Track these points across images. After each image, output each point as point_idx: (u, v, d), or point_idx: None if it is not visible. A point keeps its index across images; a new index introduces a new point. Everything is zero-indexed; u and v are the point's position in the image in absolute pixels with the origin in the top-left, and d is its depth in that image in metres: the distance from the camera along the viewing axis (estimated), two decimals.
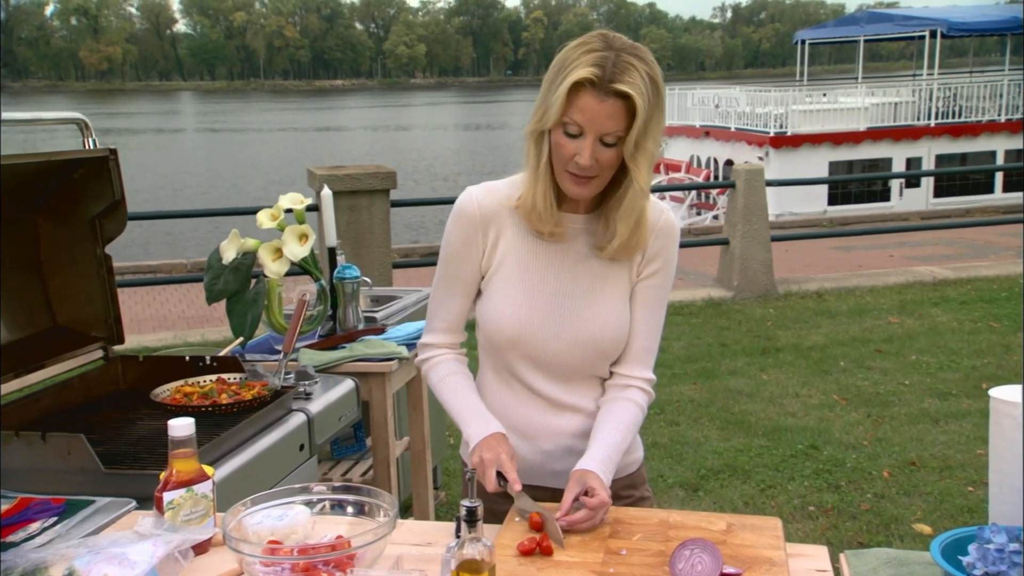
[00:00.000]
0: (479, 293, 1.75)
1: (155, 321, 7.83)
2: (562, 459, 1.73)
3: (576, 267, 1.69)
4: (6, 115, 2.42)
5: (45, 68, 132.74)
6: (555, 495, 1.71)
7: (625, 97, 1.50)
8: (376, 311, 3.13)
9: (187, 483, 1.48)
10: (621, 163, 1.58)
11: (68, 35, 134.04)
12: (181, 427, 1.47)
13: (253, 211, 2.84)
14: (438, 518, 3.45)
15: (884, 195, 17.21)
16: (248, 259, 2.68)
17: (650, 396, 1.75)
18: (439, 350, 1.79)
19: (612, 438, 1.67)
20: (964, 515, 3.63)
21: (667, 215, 1.71)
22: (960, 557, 1.29)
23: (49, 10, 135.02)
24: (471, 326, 1.79)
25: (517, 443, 1.74)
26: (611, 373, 1.75)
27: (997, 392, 1.44)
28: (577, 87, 1.50)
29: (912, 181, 17.19)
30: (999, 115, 18.05)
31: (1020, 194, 14.40)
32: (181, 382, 2.33)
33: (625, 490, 1.80)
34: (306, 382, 2.41)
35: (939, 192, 17.25)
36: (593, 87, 1.49)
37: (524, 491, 1.60)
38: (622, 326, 1.69)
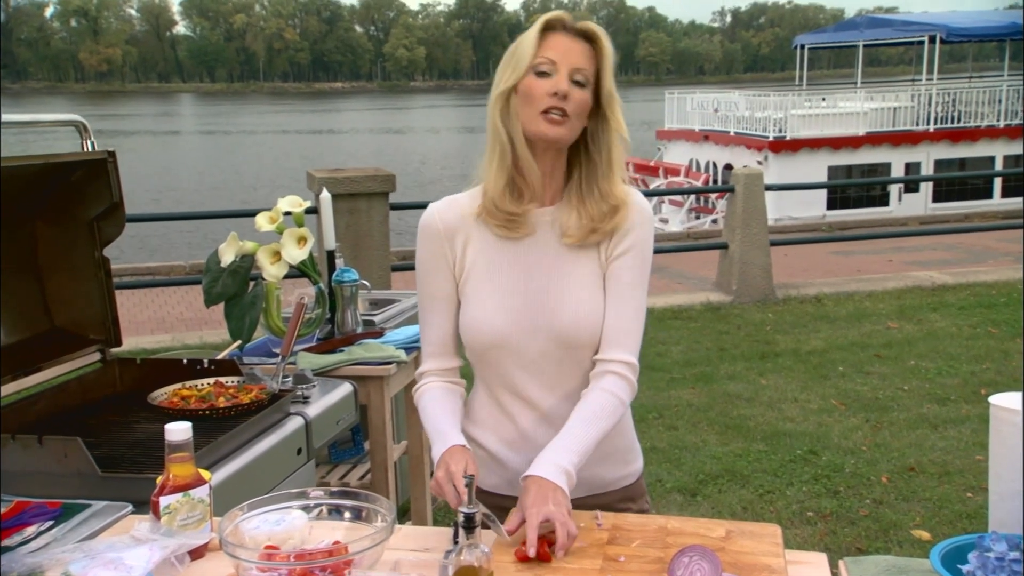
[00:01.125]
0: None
1: (153, 323, 7.82)
2: None
3: (545, 261, 1.67)
4: (4, 117, 2.42)
5: (45, 69, 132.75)
6: None
7: (592, 40, 1.61)
8: (374, 314, 3.13)
9: (184, 487, 1.47)
10: (586, 144, 1.65)
11: (68, 36, 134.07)
12: (178, 431, 1.46)
13: (252, 214, 2.83)
14: (435, 523, 3.44)
15: (883, 200, 17.22)
16: (246, 262, 2.67)
17: (628, 381, 1.66)
18: (427, 378, 1.76)
19: (573, 432, 1.60)
20: (963, 521, 3.62)
21: (635, 197, 1.71)
22: (960, 565, 1.29)
23: (49, 11, 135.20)
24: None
25: (505, 454, 1.73)
26: (593, 364, 1.70)
27: (997, 399, 1.44)
28: (547, 29, 1.61)
29: (911, 186, 17.20)
30: (998, 120, 18.07)
31: (1019, 199, 14.41)
32: (179, 385, 2.32)
33: (623, 502, 1.77)
34: (304, 386, 2.40)
35: (938, 197, 17.25)
36: (563, 28, 1.61)
37: (512, 500, 1.58)
38: (593, 316, 1.66)
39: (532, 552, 1.42)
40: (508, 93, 1.61)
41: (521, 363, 1.68)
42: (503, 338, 1.67)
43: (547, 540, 1.47)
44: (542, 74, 1.59)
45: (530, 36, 1.60)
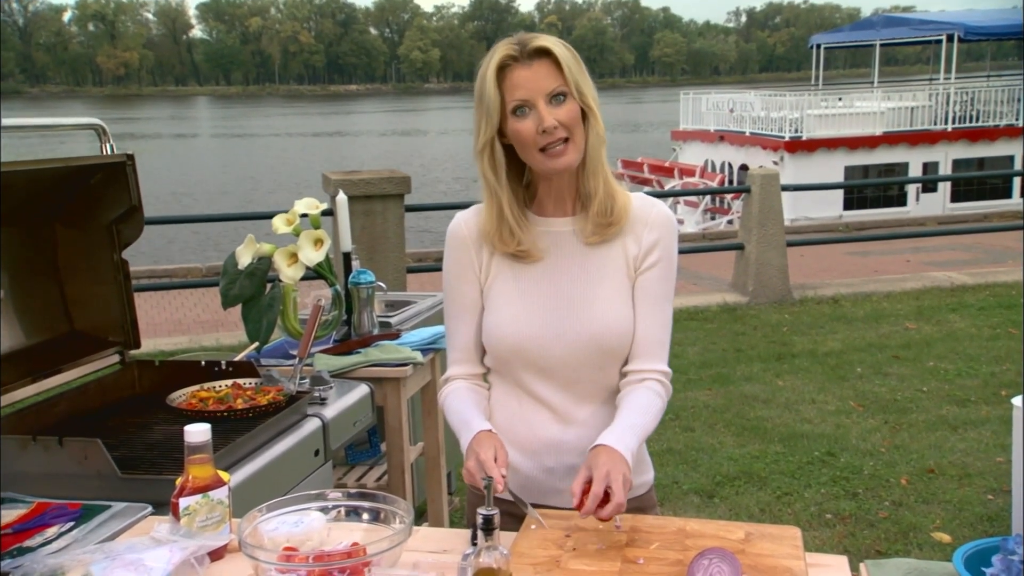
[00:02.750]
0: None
1: (170, 325, 7.86)
2: (565, 477, 1.70)
3: (572, 268, 1.68)
4: (24, 121, 2.44)
5: (63, 74, 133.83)
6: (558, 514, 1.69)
7: (546, 53, 1.58)
8: (391, 316, 3.13)
9: (203, 489, 1.48)
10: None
11: (86, 41, 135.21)
12: (197, 433, 1.47)
13: (269, 216, 2.84)
14: (452, 524, 3.44)
15: (900, 200, 17.10)
16: (264, 264, 2.68)
17: (667, 388, 1.70)
18: (453, 382, 1.78)
19: (630, 418, 1.62)
20: (984, 524, 3.59)
21: (660, 207, 1.71)
22: (984, 568, 1.28)
23: (67, 16, 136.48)
24: None
25: (520, 460, 1.72)
26: (624, 374, 1.71)
27: (1020, 401, 1.43)
28: (502, 70, 1.58)
29: (929, 186, 17.07)
30: (1017, 119, 17.90)
31: None
32: (197, 387, 2.33)
33: (633, 513, 1.77)
34: (321, 387, 2.41)
35: (956, 197, 17.11)
36: (516, 61, 1.58)
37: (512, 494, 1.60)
38: (623, 322, 1.67)
39: (592, 503, 1.46)
40: (491, 142, 1.61)
41: (541, 368, 1.69)
42: (527, 343, 1.67)
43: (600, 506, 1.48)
44: (521, 113, 1.58)
45: (489, 83, 1.58)
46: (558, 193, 1.69)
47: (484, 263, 1.72)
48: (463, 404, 1.72)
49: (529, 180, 1.72)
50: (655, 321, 1.69)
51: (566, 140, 1.59)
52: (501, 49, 1.59)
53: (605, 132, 1.66)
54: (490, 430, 1.64)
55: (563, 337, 1.67)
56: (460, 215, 1.76)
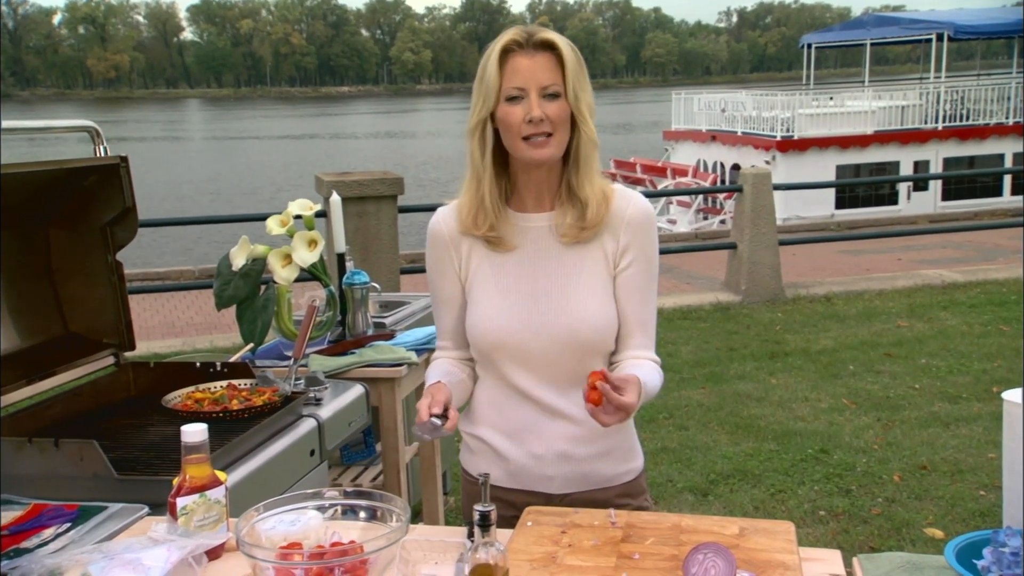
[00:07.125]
0: None
1: (164, 328, 7.85)
2: (554, 463, 1.73)
3: (549, 264, 1.71)
4: (18, 123, 2.43)
5: (53, 76, 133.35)
6: (548, 500, 1.72)
7: (551, 47, 1.61)
8: (385, 316, 3.14)
9: (200, 488, 1.48)
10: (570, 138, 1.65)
11: (76, 43, 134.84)
12: (194, 433, 1.47)
13: (262, 217, 2.85)
14: (447, 523, 3.44)
15: (892, 198, 17.16)
16: (258, 265, 2.69)
17: (661, 374, 1.75)
18: (434, 360, 1.86)
19: (641, 373, 1.63)
20: (976, 519, 3.61)
21: (635, 203, 1.72)
22: (975, 561, 1.29)
23: (57, 19, 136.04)
24: None
25: (508, 448, 1.76)
26: (614, 361, 1.75)
27: (1010, 395, 1.44)
28: (505, 54, 1.61)
29: (920, 184, 17.14)
30: (1007, 118, 17.99)
31: None
32: (192, 388, 2.33)
33: (622, 498, 1.78)
34: (316, 388, 2.41)
35: (947, 195, 17.18)
36: (520, 48, 1.61)
37: (513, 494, 1.67)
38: (600, 317, 1.70)
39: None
40: (483, 123, 1.64)
41: (522, 362, 1.72)
42: (506, 339, 1.70)
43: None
44: (513, 99, 1.60)
45: (492, 65, 1.61)
46: (537, 188, 1.71)
47: (463, 260, 1.75)
48: (432, 372, 1.79)
49: (511, 175, 1.73)
50: (639, 313, 1.73)
51: (549, 135, 1.61)
52: (509, 33, 1.62)
53: (597, 136, 1.68)
54: (440, 381, 1.69)
55: (541, 332, 1.69)
56: (439, 212, 1.78)
